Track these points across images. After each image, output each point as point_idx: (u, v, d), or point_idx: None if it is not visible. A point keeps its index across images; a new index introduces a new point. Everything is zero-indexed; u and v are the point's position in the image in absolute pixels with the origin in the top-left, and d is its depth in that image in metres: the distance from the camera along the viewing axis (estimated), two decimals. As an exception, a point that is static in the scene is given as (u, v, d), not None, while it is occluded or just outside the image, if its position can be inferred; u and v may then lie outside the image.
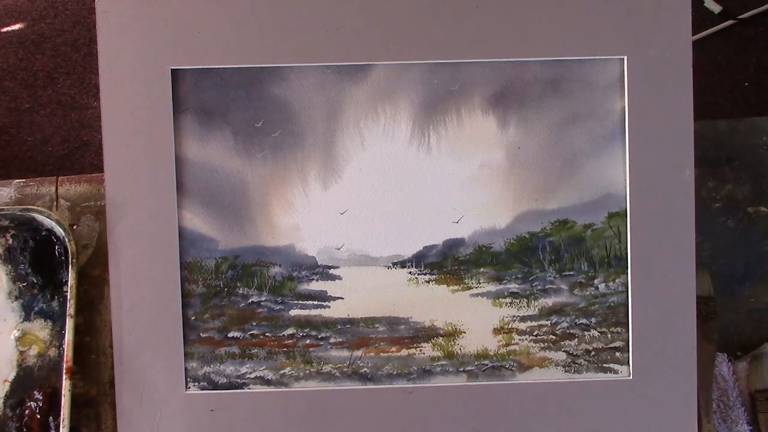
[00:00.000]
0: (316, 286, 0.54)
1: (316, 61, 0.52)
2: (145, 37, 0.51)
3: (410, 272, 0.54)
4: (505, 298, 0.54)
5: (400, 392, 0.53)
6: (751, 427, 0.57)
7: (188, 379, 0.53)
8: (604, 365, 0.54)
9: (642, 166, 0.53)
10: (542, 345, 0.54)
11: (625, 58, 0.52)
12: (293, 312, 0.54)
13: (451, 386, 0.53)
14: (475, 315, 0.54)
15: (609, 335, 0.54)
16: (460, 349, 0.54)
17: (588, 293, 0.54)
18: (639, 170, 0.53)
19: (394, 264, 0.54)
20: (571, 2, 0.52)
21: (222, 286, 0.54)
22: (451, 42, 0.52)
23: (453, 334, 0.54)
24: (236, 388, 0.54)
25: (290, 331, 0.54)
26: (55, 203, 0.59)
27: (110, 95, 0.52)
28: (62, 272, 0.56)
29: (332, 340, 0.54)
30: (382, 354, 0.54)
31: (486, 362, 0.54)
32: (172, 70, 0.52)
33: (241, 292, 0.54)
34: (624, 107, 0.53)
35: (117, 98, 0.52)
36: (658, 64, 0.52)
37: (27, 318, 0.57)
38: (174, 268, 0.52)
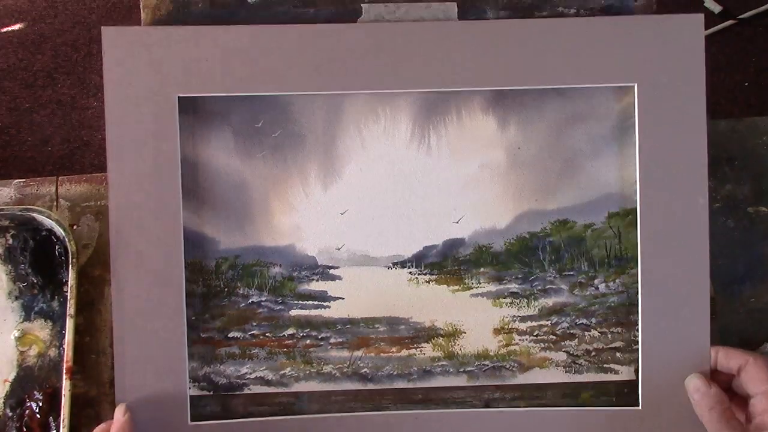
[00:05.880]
0: (316, 286, 0.54)
1: (322, 90, 0.52)
2: (153, 68, 0.51)
3: (410, 272, 0.54)
4: (505, 298, 0.54)
5: (418, 420, 0.53)
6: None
7: (188, 379, 0.53)
8: (605, 365, 0.54)
9: (654, 188, 0.52)
10: (542, 345, 0.54)
11: (636, 85, 0.52)
12: (293, 312, 0.54)
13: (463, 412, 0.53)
14: (475, 315, 0.54)
15: (609, 335, 0.54)
16: (461, 350, 0.54)
17: (588, 293, 0.54)
18: (650, 191, 0.52)
19: (394, 264, 0.54)
20: (580, 30, 0.52)
21: (222, 286, 0.54)
22: (456, 70, 0.51)
23: (453, 334, 0.54)
24: (236, 389, 0.54)
25: (290, 331, 0.54)
26: (55, 203, 0.59)
27: (116, 127, 0.51)
28: (62, 272, 0.56)
29: (332, 341, 0.54)
30: (382, 354, 0.54)
31: (486, 362, 0.54)
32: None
33: (241, 292, 0.54)
34: (624, 107, 0.53)
35: (123, 130, 0.51)
36: (669, 92, 0.51)
37: (27, 318, 0.57)
38: (179, 270, 0.51)
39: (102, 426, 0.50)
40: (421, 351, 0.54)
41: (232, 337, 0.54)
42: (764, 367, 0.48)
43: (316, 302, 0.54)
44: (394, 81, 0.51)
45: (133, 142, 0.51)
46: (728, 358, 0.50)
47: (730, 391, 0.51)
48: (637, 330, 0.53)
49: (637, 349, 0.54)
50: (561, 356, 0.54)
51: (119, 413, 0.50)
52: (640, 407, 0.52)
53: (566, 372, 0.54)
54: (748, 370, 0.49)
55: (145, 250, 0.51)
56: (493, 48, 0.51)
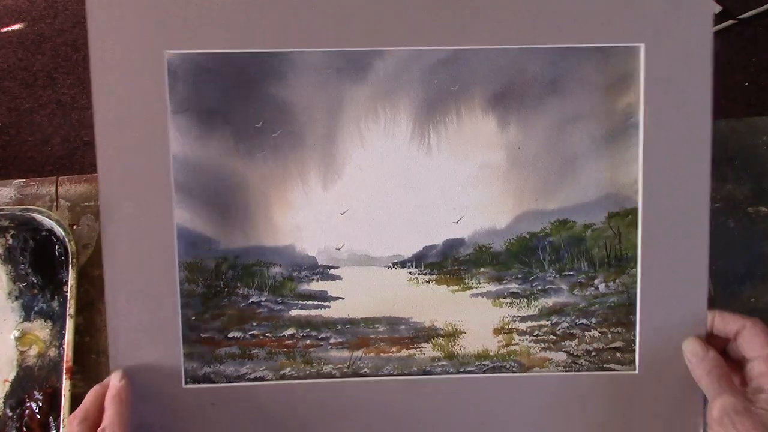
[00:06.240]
0: (316, 286, 0.54)
1: (319, 47, 0.50)
2: (139, 20, 0.49)
3: (410, 272, 0.54)
4: (505, 298, 0.54)
5: (402, 387, 0.53)
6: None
7: (187, 380, 0.53)
8: (605, 365, 0.54)
9: (655, 164, 0.52)
10: (543, 345, 0.54)
11: (642, 46, 0.51)
12: (293, 312, 0.54)
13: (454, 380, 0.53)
14: (475, 315, 0.54)
15: (609, 335, 0.54)
16: (461, 350, 0.54)
17: (588, 293, 0.54)
18: (652, 169, 0.52)
19: (394, 264, 0.54)
20: None
21: (222, 286, 0.54)
22: (457, 27, 0.50)
23: (453, 334, 0.54)
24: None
25: (290, 331, 0.54)
26: (55, 203, 0.59)
27: (102, 88, 0.50)
28: (62, 272, 0.56)
29: (332, 341, 0.54)
30: (382, 354, 0.54)
31: (486, 363, 0.54)
32: (168, 62, 0.50)
33: (241, 292, 0.54)
34: (624, 107, 0.53)
35: (110, 91, 0.50)
36: (676, 53, 0.51)
37: (27, 318, 0.57)
38: (172, 269, 0.51)
39: (96, 388, 0.48)
40: (421, 351, 0.54)
41: (232, 337, 0.54)
42: (762, 331, 0.48)
43: (316, 302, 0.54)
44: (395, 38, 0.50)
45: (120, 102, 0.49)
46: (725, 322, 0.50)
47: (723, 355, 0.50)
48: (638, 330, 0.53)
49: (635, 349, 0.54)
50: (561, 356, 0.54)
51: (116, 379, 0.49)
52: (637, 371, 0.52)
53: (566, 372, 0.54)
54: (745, 335, 0.48)
55: (135, 210, 0.50)
56: (497, 5, 0.50)
